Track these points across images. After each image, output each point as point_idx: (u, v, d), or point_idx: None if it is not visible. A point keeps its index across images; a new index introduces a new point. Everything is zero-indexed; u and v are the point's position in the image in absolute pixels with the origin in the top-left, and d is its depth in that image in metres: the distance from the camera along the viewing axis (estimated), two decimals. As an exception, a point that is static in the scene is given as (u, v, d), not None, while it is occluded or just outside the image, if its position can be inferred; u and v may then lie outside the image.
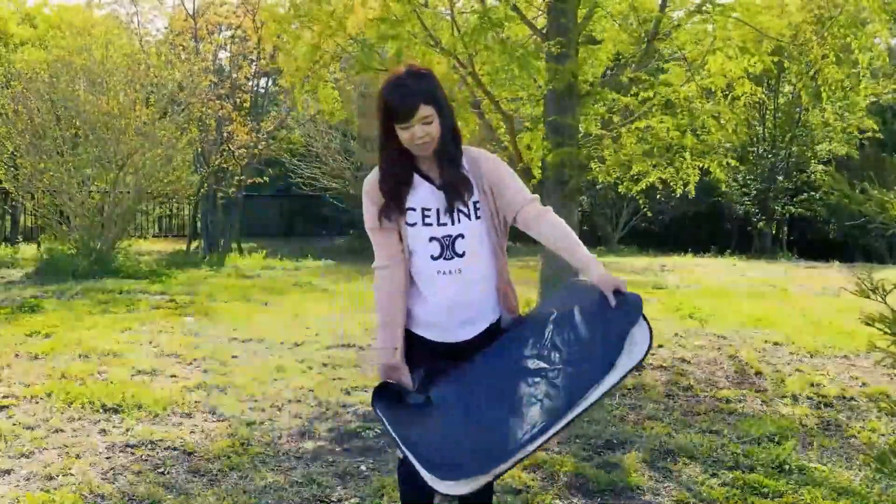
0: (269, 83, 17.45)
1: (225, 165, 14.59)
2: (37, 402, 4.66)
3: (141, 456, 3.89)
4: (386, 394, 2.39)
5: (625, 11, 6.88)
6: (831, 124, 17.09)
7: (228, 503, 3.37)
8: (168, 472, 3.70)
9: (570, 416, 2.07)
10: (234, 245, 15.56)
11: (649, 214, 8.34)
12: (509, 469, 2.11)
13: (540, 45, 6.52)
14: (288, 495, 3.46)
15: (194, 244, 15.94)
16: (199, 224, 17.02)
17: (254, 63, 16.41)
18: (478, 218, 2.40)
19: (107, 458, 3.86)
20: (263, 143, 15.17)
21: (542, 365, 2.24)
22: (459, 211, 2.39)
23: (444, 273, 2.39)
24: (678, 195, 7.74)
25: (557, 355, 2.25)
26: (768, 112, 19.30)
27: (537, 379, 2.21)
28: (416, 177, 2.41)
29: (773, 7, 6.63)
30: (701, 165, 7.18)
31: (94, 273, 10.34)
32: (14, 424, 4.25)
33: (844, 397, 5.09)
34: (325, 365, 5.75)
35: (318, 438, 4.22)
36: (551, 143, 6.39)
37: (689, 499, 3.46)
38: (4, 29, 20.94)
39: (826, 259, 15.79)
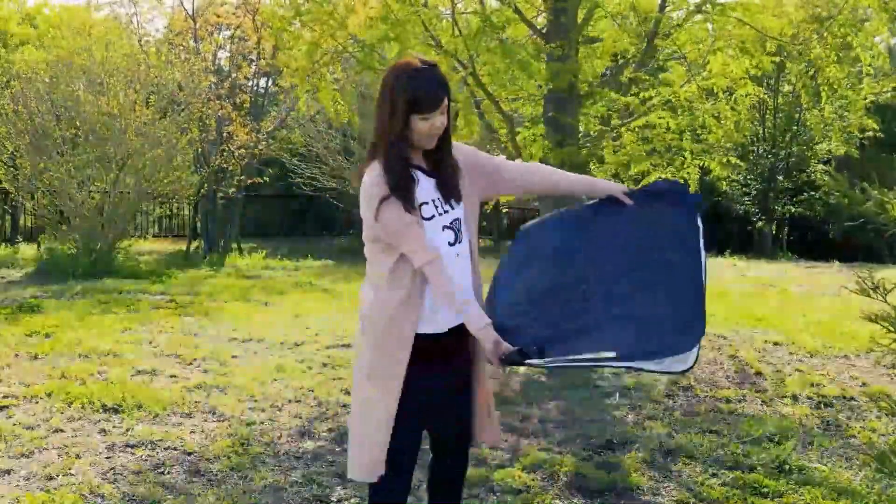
0: (269, 83, 17.46)
1: (225, 165, 14.58)
2: (37, 402, 4.66)
3: (141, 456, 3.89)
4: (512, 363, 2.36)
5: (625, 11, 6.88)
6: (831, 124, 17.09)
7: (228, 503, 3.37)
8: (168, 472, 3.70)
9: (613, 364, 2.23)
10: (234, 245, 15.56)
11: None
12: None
13: (540, 46, 6.51)
14: (288, 495, 3.46)
15: (194, 244, 15.93)
16: (199, 224, 17.02)
17: (253, 63, 16.41)
18: (461, 201, 2.45)
19: (107, 458, 3.86)
20: (263, 143, 15.16)
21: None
22: (453, 196, 2.43)
23: (458, 256, 2.42)
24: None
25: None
26: (768, 112, 19.29)
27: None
28: (416, 170, 2.40)
29: (769, 7, 6.64)
30: (701, 165, 7.17)
31: (94, 273, 10.34)
32: (14, 424, 4.25)
33: (844, 397, 5.09)
34: (325, 365, 5.75)
35: (318, 438, 4.22)
36: (551, 142, 6.38)
37: (689, 499, 3.46)
38: (5, 29, 20.95)
39: (826, 259, 15.78)
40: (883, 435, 4.37)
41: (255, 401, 4.82)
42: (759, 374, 5.65)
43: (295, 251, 15.71)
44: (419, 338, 2.37)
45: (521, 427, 4.41)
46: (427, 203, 2.38)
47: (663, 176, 7.19)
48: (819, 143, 18.70)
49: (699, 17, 6.46)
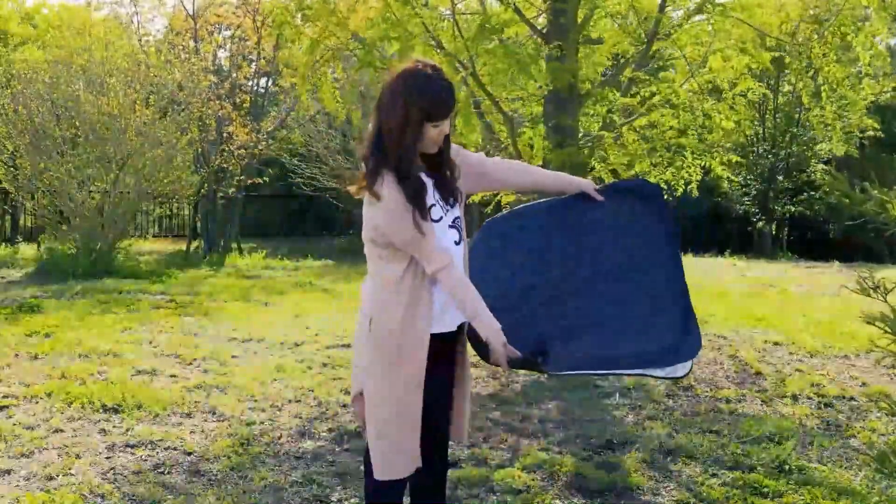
0: (269, 83, 17.45)
1: (225, 165, 14.58)
2: (37, 402, 4.66)
3: (141, 456, 3.89)
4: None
5: (624, 12, 6.87)
6: (831, 123, 17.09)
7: (228, 503, 3.37)
8: (168, 472, 3.70)
9: (616, 371, 2.38)
10: (234, 245, 15.56)
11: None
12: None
13: (540, 46, 6.51)
14: (288, 495, 3.46)
15: (194, 244, 15.93)
16: (199, 224, 17.01)
17: (253, 63, 16.41)
18: (459, 199, 2.51)
19: (107, 458, 3.86)
20: (263, 143, 15.16)
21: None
22: (453, 196, 2.47)
23: (462, 255, 2.47)
24: (679, 195, 7.70)
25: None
26: (768, 112, 19.29)
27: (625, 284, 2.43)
28: (421, 174, 2.42)
29: (767, 7, 6.64)
30: (703, 165, 7.16)
31: (94, 273, 10.33)
32: (14, 424, 4.25)
33: (844, 397, 5.08)
34: (325, 365, 5.75)
35: (318, 438, 4.22)
36: (552, 142, 6.38)
37: (689, 499, 3.46)
38: (5, 28, 20.94)
39: (826, 259, 15.77)
40: (883, 435, 4.37)
41: (255, 401, 4.82)
42: (759, 374, 5.65)
43: (295, 251, 15.71)
44: (431, 338, 2.39)
45: (521, 427, 4.41)
46: (435, 205, 2.40)
47: (664, 177, 7.19)
48: (819, 143, 18.69)
49: (699, 17, 6.46)
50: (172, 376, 5.34)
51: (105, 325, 6.96)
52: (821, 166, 18.64)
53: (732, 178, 7.20)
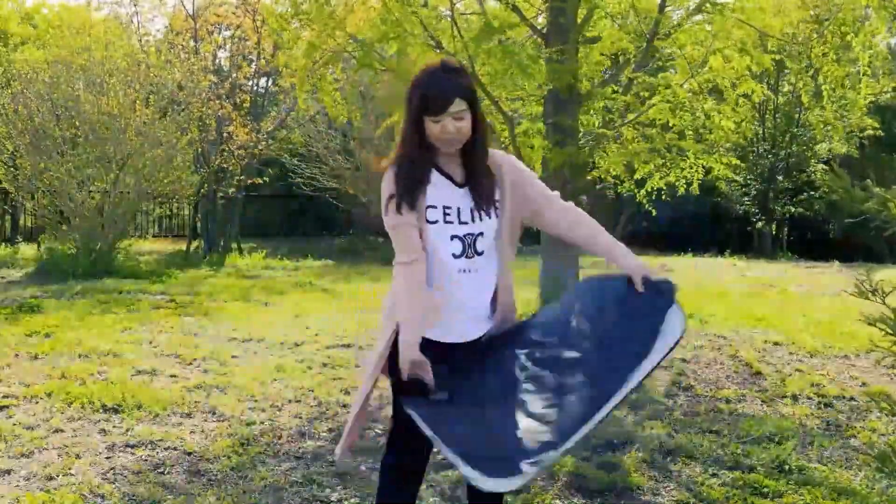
0: (269, 83, 17.44)
1: (225, 165, 14.58)
2: (37, 402, 4.66)
3: (141, 456, 3.89)
4: (411, 395, 2.34)
5: (624, 12, 6.88)
6: (831, 123, 17.08)
7: (228, 503, 3.37)
8: (168, 472, 3.70)
9: (610, 404, 2.03)
10: (234, 245, 15.56)
11: (653, 213, 8.30)
12: (556, 460, 2.06)
13: (540, 46, 6.52)
14: (288, 495, 3.46)
15: (194, 244, 15.93)
16: (199, 224, 17.01)
17: (253, 63, 16.41)
18: (497, 217, 2.43)
19: (107, 458, 3.86)
20: (263, 143, 15.16)
21: (574, 355, 2.27)
22: (483, 209, 2.41)
23: (464, 271, 2.41)
24: (681, 194, 7.69)
25: (588, 344, 2.28)
26: (768, 112, 19.28)
27: (571, 370, 2.22)
28: (436, 174, 2.40)
29: (768, 7, 6.64)
30: (704, 164, 7.17)
31: (94, 273, 10.33)
32: (14, 424, 4.24)
33: (844, 397, 5.09)
34: (325, 365, 5.75)
35: (318, 438, 4.22)
36: (552, 142, 6.39)
37: (689, 499, 3.46)
38: (5, 28, 20.94)
39: (826, 259, 15.77)
40: (883, 435, 4.37)
41: (255, 401, 4.82)
42: (759, 374, 5.65)
43: (295, 251, 15.71)
44: (426, 341, 2.40)
45: (521, 427, 4.41)
46: (435, 207, 2.38)
47: (667, 179, 7.17)
48: (819, 142, 18.69)
49: (699, 17, 6.47)
50: (172, 376, 5.34)
51: (105, 325, 6.96)
52: (821, 166, 18.63)
53: (734, 177, 7.17)
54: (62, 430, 4.20)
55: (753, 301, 9.15)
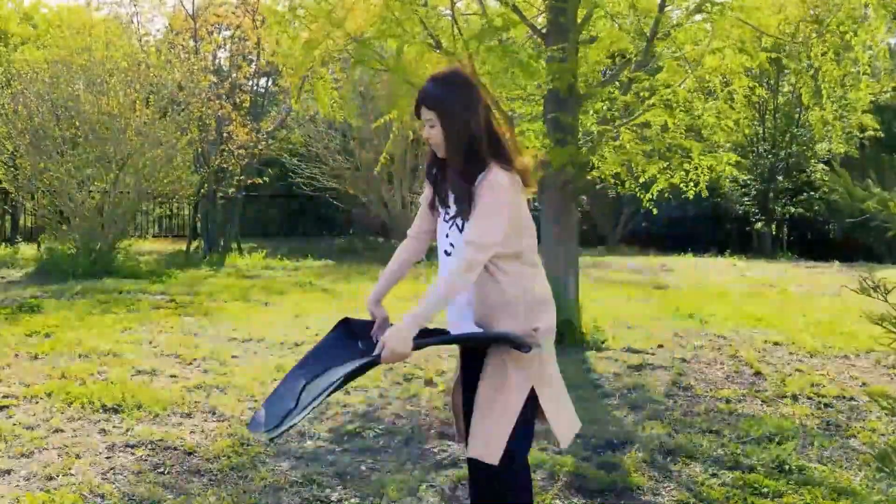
0: (269, 83, 17.44)
1: (225, 165, 14.58)
2: (37, 402, 4.65)
3: (141, 456, 3.89)
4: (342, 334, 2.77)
5: (624, 11, 6.87)
6: (831, 123, 17.09)
7: (228, 503, 3.37)
8: (168, 472, 3.70)
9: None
10: (234, 245, 15.56)
11: (654, 213, 8.29)
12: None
13: (540, 46, 6.51)
14: (287, 495, 3.46)
15: (194, 244, 15.92)
16: (199, 224, 17.00)
17: (253, 63, 16.40)
18: (459, 230, 2.49)
19: (107, 458, 3.86)
20: (263, 143, 15.16)
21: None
22: (453, 219, 2.51)
23: (445, 266, 2.58)
24: (685, 196, 7.63)
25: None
26: (768, 112, 19.28)
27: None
28: (452, 173, 2.50)
29: (766, 6, 6.64)
30: (709, 165, 7.14)
31: (94, 273, 10.34)
32: (14, 424, 4.24)
33: (844, 397, 5.09)
34: (325, 365, 5.74)
35: (317, 438, 4.21)
36: (552, 141, 6.38)
37: (689, 499, 3.46)
38: (4, 28, 20.93)
39: (826, 259, 15.78)
40: (883, 435, 4.37)
41: (255, 401, 4.81)
42: (759, 374, 5.65)
43: (295, 251, 15.71)
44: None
45: (521, 427, 4.40)
46: (443, 202, 2.56)
47: (672, 181, 7.12)
48: (819, 142, 18.68)
49: (699, 16, 6.46)
50: (172, 376, 5.34)
51: (105, 325, 6.96)
52: (821, 166, 18.63)
53: (738, 173, 7.13)
54: (62, 430, 4.20)
55: (753, 301, 9.15)
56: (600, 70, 7.72)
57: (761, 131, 19.27)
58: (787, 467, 3.81)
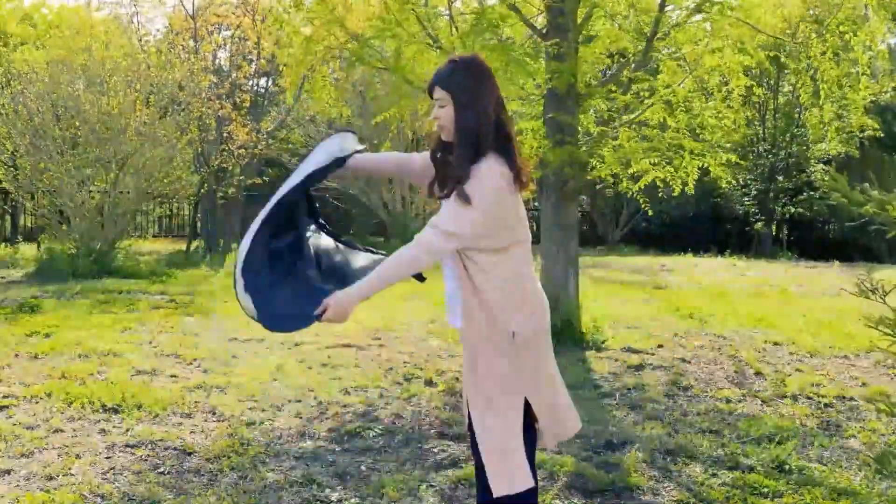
0: (269, 83, 17.46)
1: (225, 165, 14.58)
2: (37, 402, 4.66)
3: (141, 456, 3.89)
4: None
5: (624, 11, 6.88)
6: (828, 123, 17.08)
7: (228, 503, 3.37)
8: (168, 472, 3.70)
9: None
10: (235, 245, 15.57)
11: (650, 213, 8.30)
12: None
13: (539, 45, 6.52)
14: (288, 495, 3.46)
15: (194, 244, 15.94)
16: (199, 224, 17.01)
17: (253, 63, 16.42)
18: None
19: (107, 458, 3.86)
20: (263, 142, 15.17)
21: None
22: (441, 199, 2.47)
23: (447, 259, 2.54)
24: (677, 194, 7.67)
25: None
26: (768, 112, 19.28)
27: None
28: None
29: (765, 6, 6.65)
30: (701, 165, 7.15)
31: (94, 273, 10.34)
32: (14, 424, 4.25)
33: (844, 397, 5.09)
34: (324, 365, 5.75)
35: (317, 438, 4.22)
36: (551, 141, 6.38)
37: (689, 499, 3.46)
38: (4, 29, 20.93)
39: (826, 259, 15.79)
40: (883, 435, 4.37)
41: (255, 401, 4.82)
42: (759, 374, 5.65)
43: (295, 251, 15.68)
44: None
45: (520, 427, 4.41)
46: (440, 186, 2.55)
47: (661, 175, 7.15)
48: (819, 142, 18.68)
49: (698, 16, 6.47)
50: (172, 376, 5.34)
51: (105, 325, 6.96)
52: (820, 166, 18.63)
53: (728, 177, 7.08)
54: (62, 430, 4.21)
55: (753, 301, 9.15)
56: (599, 70, 7.72)
57: (761, 131, 19.29)
58: (786, 467, 3.81)
